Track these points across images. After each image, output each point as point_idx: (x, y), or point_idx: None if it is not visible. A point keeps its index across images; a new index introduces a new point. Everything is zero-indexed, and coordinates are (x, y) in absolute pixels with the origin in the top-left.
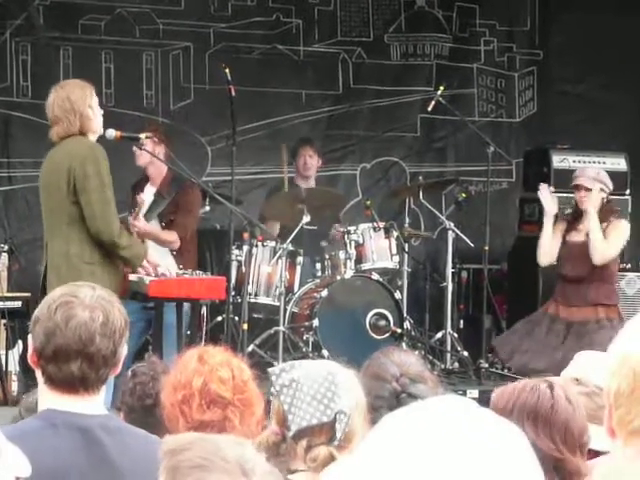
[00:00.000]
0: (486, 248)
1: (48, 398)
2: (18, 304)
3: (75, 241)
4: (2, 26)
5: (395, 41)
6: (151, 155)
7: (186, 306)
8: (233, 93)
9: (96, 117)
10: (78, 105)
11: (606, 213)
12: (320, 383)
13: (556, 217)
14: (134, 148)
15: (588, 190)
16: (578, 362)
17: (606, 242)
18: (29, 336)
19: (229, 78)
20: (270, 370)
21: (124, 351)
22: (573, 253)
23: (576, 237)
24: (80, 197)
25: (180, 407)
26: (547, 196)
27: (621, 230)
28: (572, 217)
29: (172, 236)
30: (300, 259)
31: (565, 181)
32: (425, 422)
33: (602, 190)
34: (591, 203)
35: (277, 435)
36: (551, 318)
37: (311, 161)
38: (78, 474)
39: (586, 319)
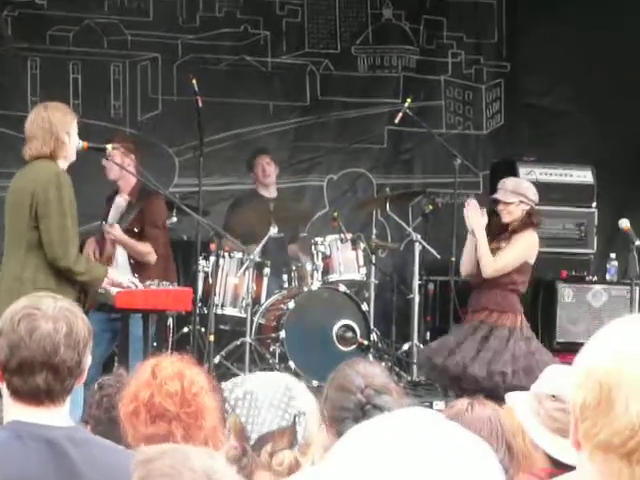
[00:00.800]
0: (453, 259)
1: (13, 410)
2: None
3: (31, 266)
4: None
5: (362, 53)
6: (120, 167)
7: (152, 318)
8: (200, 104)
9: (70, 144)
10: (57, 128)
11: (523, 225)
12: (275, 390)
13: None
14: (103, 162)
15: (507, 204)
16: (550, 377)
17: (499, 254)
18: None
19: (196, 89)
20: (223, 385)
21: (88, 361)
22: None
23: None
24: (40, 222)
25: (130, 419)
26: (472, 213)
27: (521, 242)
28: (497, 229)
29: (147, 247)
30: (267, 270)
31: None
32: (391, 434)
33: (522, 202)
34: (510, 216)
35: (236, 449)
36: (469, 326)
37: (269, 168)
38: None
39: (479, 322)
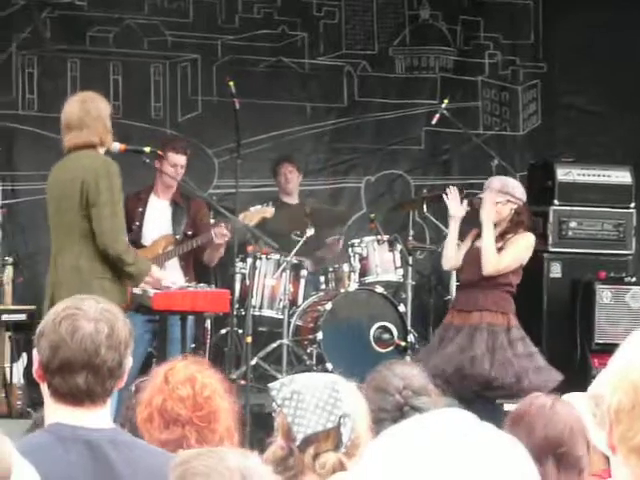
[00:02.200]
0: None
1: (55, 411)
2: (22, 317)
3: (86, 256)
4: (8, 39)
5: (400, 54)
6: (169, 175)
7: (190, 319)
8: (237, 106)
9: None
10: (104, 116)
11: (514, 225)
12: (321, 391)
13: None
14: (163, 165)
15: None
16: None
17: (501, 254)
18: (34, 350)
19: (233, 91)
20: (270, 385)
21: (129, 362)
22: (467, 259)
23: (477, 243)
24: (91, 211)
25: (144, 425)
26: (453, 199)
27: (521, 243)
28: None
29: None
30: (304, 272)
31: (570, 194)
32: (425, 435)
33: (509, 202)
34: (498, 216)
35: (283, 449)
36: (445, 327)
37: (291, 176)
38: None
39: (473, 324)
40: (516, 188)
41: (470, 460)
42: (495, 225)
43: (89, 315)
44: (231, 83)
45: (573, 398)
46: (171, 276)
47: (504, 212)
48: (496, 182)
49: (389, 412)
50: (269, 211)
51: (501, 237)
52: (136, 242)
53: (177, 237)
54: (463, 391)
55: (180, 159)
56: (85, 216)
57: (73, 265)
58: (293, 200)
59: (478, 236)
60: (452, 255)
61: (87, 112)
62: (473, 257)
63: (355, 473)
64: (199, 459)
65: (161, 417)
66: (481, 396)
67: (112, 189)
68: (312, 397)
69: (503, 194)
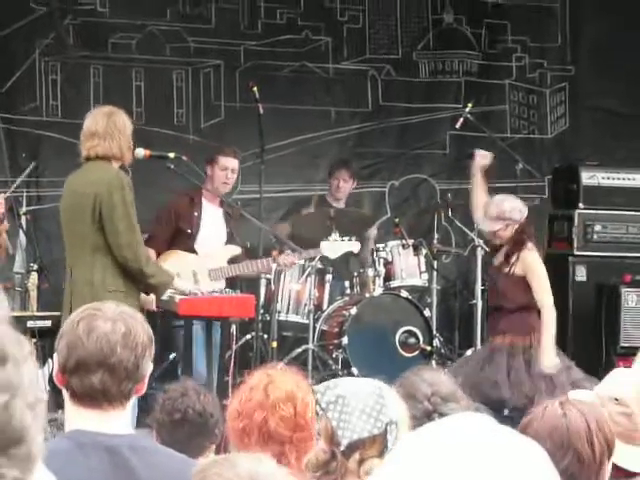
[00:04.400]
0: None
1: (74, 416)
2: (47, 323)
3: (98, 268)
4: (31, 45)
5: (423, 58)
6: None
7: (218, 325)
8: (261, 111)
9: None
10: (128, 133)
11: (516, 245)
12: (367, 396)
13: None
14: (216, 171)
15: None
16: (614, 379)
17: (537, 293)
18: (54, 354)
19: (257, 96)
20: (315, 388)
21: (149, 368)
22: (488, 281)
23: (494, 265)
24: (106, 225)
25: (240, 436)
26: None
27: (534, 266)
28: (493, 248)
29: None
30: (329, 277)
31: (594, 198)
32: (447, 438)
33: (509, 225)
34: (500, 240)
35: (325, 453)
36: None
37: (345, 185)
38: None
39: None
40: (513, 211)
41: (492, 462)
42: (499, 247)
43: (107, 315)
44: (255, 88)
45: (578, 396)
46: (215, 285)
47: (506, 235)
48: (492, 210)
49: (417, 419)
50: (354, 245)
51: (506, 260)
52: (189, 247)
53: (245, 247)
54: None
55: (231, 162)
56: (98, 229)
57: (86, 278)
58: (339, 205)
59: (496, 250)
60: (477, 203)
61: (114, 124)
62: (490, 283)
63: (380, 474)
64: (213, 467)
65: (260, 433)
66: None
67: (126, 202)
68: (357, 402)
69: (502, 220)
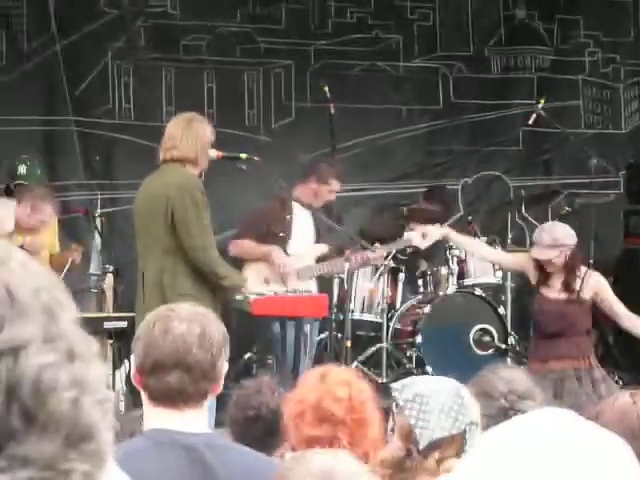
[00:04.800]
0: (591, 261)
1: (152, 415)
2: (124, 324)
3: (168, 271)
4: (103, 49)
5: (495, 54)
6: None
7: (307, 325)
8: (332, 111)
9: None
10: (207, 141)
11: (571, 269)
12: (446, 396)
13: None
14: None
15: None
16: None
17: (623, 310)
18: (132, 356)
19: (328, 96)
20: (392, 385)
21: (224, 367)
22: (546, 309)
23: (549, 293)
24: (179, 228)
25: (295, 420)
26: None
27: (606, 285)
28: (540, 271)
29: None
30: (402, 275)
31: None
32: (527, 434)
33: (562, 252)
34: (553, 267)
35: (401, 450)
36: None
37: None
38: None
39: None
40: (567, 237)
41: (578, 457)
42: (551, 274)
43: (182, 316)
44: (326, 88)
45: None
46: (306, 285)
47: (560, 261)
48: (545, 238)
49: (494, 417)
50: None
51: (566, 288)
52: (283, 250)
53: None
54: None
55: (338, 187)
56: (170, 231)
57: (156, 281)
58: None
59: (544, 282)
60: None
61: (192, 129)
62: (547, 308)
63: (460, 472)
64: (289, 462)
65: (314, 414)
66: None
67: (197, 205)
68: (436, 401)
69: (557, 247)
